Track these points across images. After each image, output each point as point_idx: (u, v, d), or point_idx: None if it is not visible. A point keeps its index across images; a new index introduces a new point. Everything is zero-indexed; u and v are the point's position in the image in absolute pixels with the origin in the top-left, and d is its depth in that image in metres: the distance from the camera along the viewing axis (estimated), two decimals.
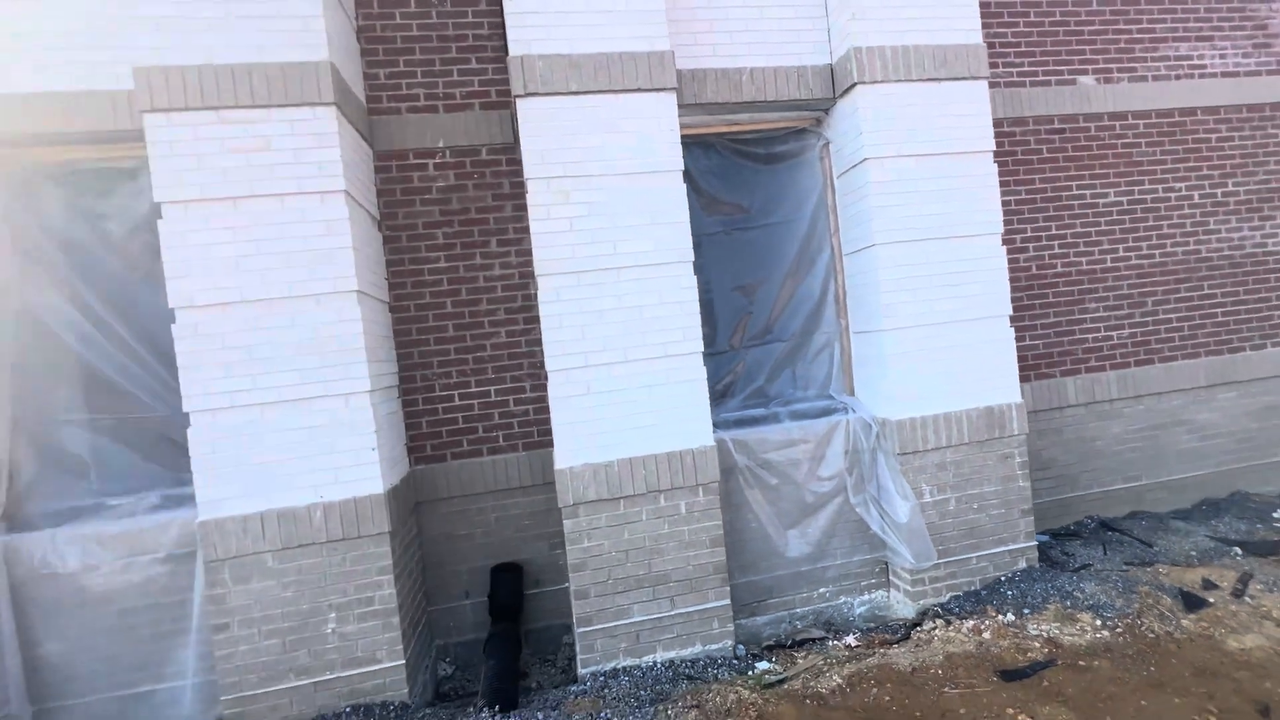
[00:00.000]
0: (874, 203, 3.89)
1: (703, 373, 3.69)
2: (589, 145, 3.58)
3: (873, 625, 3.96)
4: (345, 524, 3.32)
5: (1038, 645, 3.24)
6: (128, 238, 3.67)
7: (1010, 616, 3.53)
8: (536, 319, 4.25)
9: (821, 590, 4.17)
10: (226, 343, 3.24)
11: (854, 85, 3.91)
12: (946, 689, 2.94)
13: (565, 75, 3.53)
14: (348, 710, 3.31)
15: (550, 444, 4.25)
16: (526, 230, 4.23)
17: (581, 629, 3.57)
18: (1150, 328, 5.15)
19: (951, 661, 3.16)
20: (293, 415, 3.30)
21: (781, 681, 3.23)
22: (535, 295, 4.22)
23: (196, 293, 3.21)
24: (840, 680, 3.10)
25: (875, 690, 2.98)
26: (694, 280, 3.70)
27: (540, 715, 3.01)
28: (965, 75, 4.00)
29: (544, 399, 4.26)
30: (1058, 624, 3.40)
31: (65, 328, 3.59)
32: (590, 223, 3.57)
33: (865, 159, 3.89)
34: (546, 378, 4.22)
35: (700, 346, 3.69)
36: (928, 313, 3.96)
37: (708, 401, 3.70)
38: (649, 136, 3.64)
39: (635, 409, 3.62)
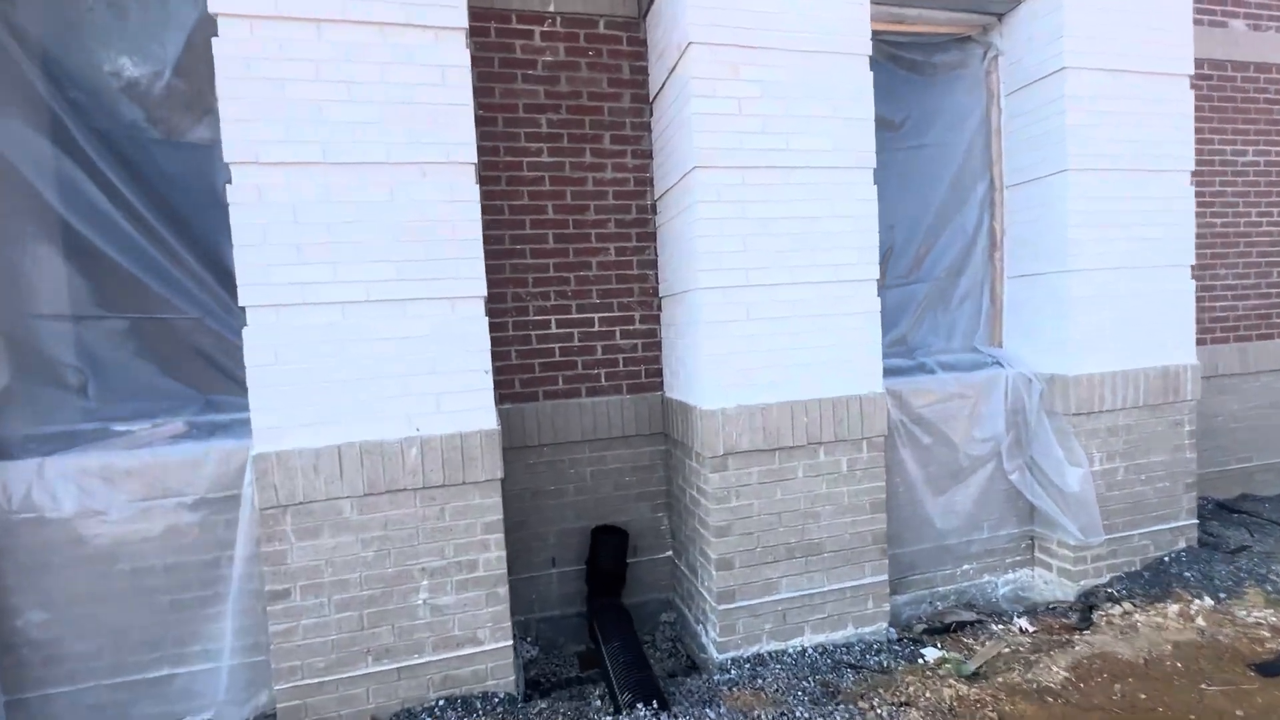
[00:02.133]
0: (1070, 120, 3.32)
1: (877, 304, 3.07)
2: (764, 10, 2.86)
3: (1021, 608, 3.48)
4: (448, 466, 2.56)
5: (1266, 634, 2.80)
6: (150, 81, 2.74)
7: (1209, 601, 3.09)
8: (651, 235, 3.53)
9: (965, 567, 3.65)
10: (300, 216, 2.40)
11: None
12: (1205, 685, 2.45)
13: None
14: (440, 703, 2.58)
15: (659, 387, 3.57)
16: (646, 127, 3.50)
17: (723, 605, 2.93)
18: (1274, 299, 4.82)
19: (1183, 652, 2.68)
20: (384, 319, 2.50)
21: (977, 674, 2.69)
22: (654, 205, 3.50)
23: (263, 145, 2.35)
24: (1064, 673, 2.57)
25: (1118, 686, 2.47)
26: (874, 191, 3.05)
27: (711, 713, 2.36)
28: None
29: (654, 332, 3.56)
30: (1270, 610, 2.98)
31: (52, 189, 2.65)
32: (762, 107, 2.86)
33: (1064, 68, 3.31)
34: (660, 306, 3.55)
35: (876, 273, 3.06)
36: (1110, 254, 3.45)
37: (880, 340, 3.08)
38: (833, 6, 2.94)
39: (798, 342, 2.96)
